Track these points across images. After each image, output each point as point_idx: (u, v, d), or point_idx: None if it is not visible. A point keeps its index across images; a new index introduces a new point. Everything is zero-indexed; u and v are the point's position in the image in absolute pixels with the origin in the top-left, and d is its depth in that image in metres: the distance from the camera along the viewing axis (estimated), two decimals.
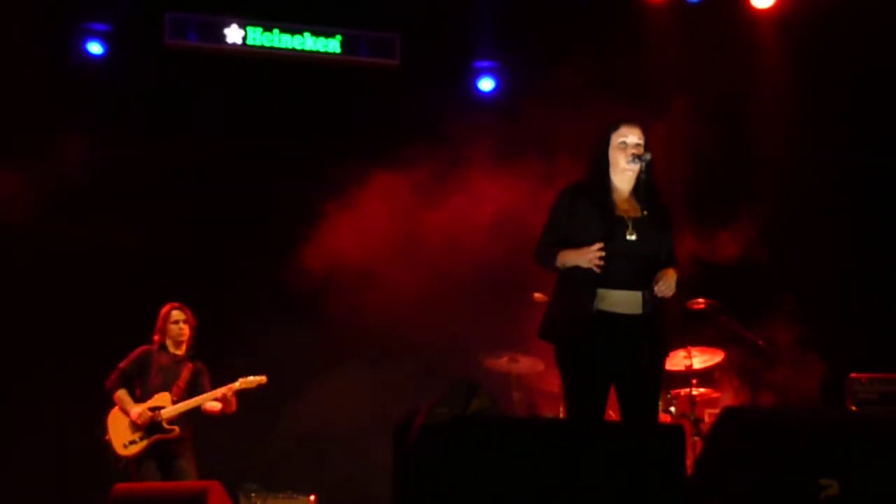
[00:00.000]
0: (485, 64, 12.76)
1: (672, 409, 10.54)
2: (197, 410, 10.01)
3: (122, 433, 9.91)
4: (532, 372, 10.82)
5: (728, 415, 6.45)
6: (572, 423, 7.16)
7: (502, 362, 10.81)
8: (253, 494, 10.50)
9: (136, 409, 9.87)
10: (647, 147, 7.58)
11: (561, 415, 10.42)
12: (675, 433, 6.13)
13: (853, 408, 10.54)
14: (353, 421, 11.52)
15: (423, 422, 6.57)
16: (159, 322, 10.23)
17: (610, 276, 7.28)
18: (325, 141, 11.84)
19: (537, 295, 9.71)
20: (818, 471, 6.12)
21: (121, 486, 8.87)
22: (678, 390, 10.62)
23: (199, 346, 10.33)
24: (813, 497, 6.09)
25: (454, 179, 11.88)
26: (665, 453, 6.00)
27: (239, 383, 10.03)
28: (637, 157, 7.49)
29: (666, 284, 7.24)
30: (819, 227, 12.30)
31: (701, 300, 10.57)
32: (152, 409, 9.90)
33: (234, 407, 10.03)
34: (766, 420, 6.52)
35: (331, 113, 11.99)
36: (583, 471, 5.85)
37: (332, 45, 12.43)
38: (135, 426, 9.88)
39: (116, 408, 9.98)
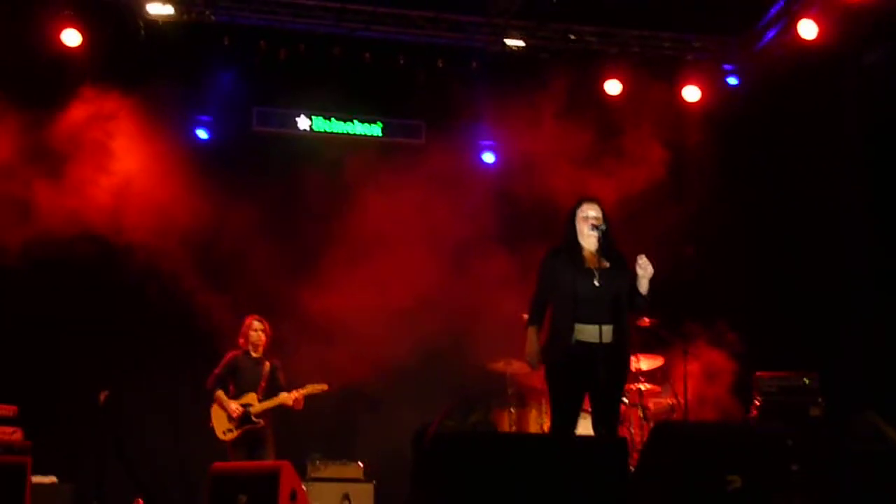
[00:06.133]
0: (487, 143, 12.70)
1: (625, 399, 10.47)
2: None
3: (221, 423, 9.95)
4: (521, 372, 10.70)
5: (657, 429, 6.42)
6: (541, 438, 7.13)
7: (500, 365, 10.72)
8: (317, 462, 10.53)
9: (232, 406, 9.89)
10: (604, 216, 7.65)
11: (544, 408, 10.41)
12: (619, 446, 6.09)
13: (758, 398, 10.49)
14: (396, 406, 11.51)
15: (435, 431, 6.57)
16: (243, 329, 10.22)
17: (583, 314, 7.38)
18: (366, 201, 11.73)
19: (525, 315, 9.62)
20: (725, 469, 6.09)
21: (218, 464, 8.89)
22: (630, 386, 10.53)
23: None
24: (721, 489, 6.05)
25: (467, 230, 11.85)
26: (612, 460, 5.97)
27: (307, 389, 10.01)
28: (595, 227, 7.58)
29: (645, 262, 7.36)
30: (737, 260, 12.26)
31: (646, 319, 10.48)
32: (244, 406, 9.91)
33: (301, 405, 10.02)
34: (686, 432, 6.48)
35: (373, 179, 11.88)
36: (550, 473, 5.83)
37: (375, 129, 12.46)
38: (231, 419, 9.89)
39: (216, 404, 9.98)
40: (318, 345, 11.10)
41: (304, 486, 9.75)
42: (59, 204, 10.93)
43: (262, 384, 10.02)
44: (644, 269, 7.38)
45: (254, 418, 9.91)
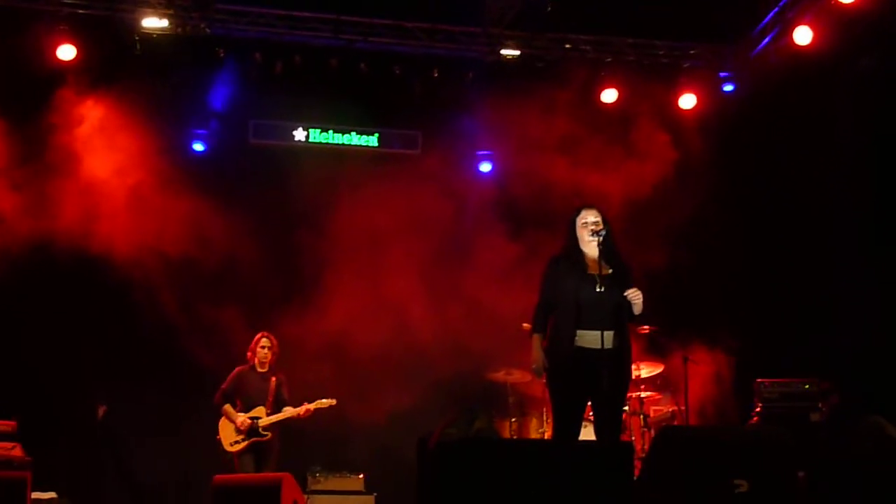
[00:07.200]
0: (483, 152, 12.66)
1: (626, 407, 10.38)
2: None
3: (228, 435, 9.98)
4: (522, 381, 10.67)
5: (662, 434, 6.36)
6: (545, 444, 7.06)
7: (500, 374, 10.67)
8: (318, 474, 10.48)
9: (240, 418, 9.93)
10: (604, 221, 7.57)
11: (546, 417, 10.35)
12: (624, 450, 6.02)
13: (759, 404, 10.43)
14: (397, 418, 11.38)
15: (438, 439, 6.49)
16: (252, 345, 10.22)
17: (585, 320, 7.32)
18: (363, 212, 11.70)
19: (525, 325, 9.55)
20: (732, 473, 6.01)
21: (219, 477, 8.93)
22: (630, 393, 10.43)
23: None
24: (728, 494, 5.98)
25: (465, 240, 11.85)
26: (617, 465, 5.90)
27: (315, 405, 10.03)
28: (595, 232, 7.50)
29: (634, 294, 7.28)
30: (734, 265, 12.20)
31: (646, 326, 10.40)
32: (252, 419, 9.88)
33: (308, 414, 10.03)
34: (691, 436, 6.41)
35: (370, 190, 11.84)
36: (556, 480, 5.76)
37: (372, 140, 12.42)
38: (238, 431, 9.89)
39: (224, 417, 9.95)
40: (314, 358, 11.06)
41: (305, 498, 9.75)
42: (51, 215, 10.89)
43: (270, 399, 10.03)
44: (634, 301, 7.34)
45: (262, 431, 9.91)
